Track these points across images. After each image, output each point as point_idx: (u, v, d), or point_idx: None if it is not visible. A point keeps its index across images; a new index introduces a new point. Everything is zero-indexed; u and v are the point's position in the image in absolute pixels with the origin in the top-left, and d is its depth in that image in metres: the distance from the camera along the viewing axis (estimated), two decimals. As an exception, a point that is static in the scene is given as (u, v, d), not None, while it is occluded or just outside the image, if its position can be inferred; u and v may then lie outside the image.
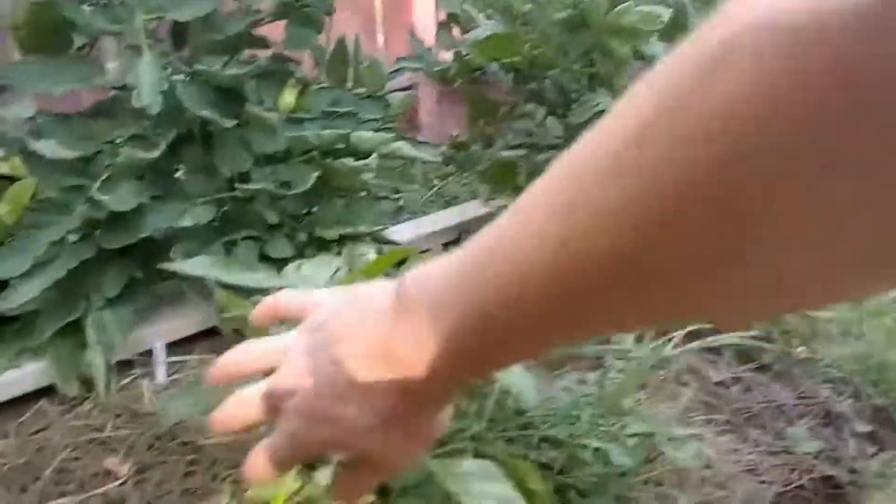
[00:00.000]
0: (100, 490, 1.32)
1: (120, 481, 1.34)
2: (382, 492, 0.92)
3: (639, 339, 1.59)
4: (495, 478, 0.72)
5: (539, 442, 1.13)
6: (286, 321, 0.55)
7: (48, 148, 1.21)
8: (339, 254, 1.62)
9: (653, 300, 0.31)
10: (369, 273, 0.77)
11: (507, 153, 1.80)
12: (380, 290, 0.44)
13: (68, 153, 1.25)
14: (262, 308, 0.56)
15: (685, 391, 1.53)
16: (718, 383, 1.57)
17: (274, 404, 0.49)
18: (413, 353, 0.39)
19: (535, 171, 1.87)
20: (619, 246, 0.29)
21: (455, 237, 2.06)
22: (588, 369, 1.56)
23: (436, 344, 0.38)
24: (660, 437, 1.21)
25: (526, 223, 0.33)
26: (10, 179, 1.76)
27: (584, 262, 0.30)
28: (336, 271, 0.81)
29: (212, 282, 1.59)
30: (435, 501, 0.96)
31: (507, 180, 1.84)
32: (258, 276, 0.76)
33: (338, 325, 0.46)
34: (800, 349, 1.65)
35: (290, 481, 0.88)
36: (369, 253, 1.53)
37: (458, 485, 0.71)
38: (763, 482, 1.30)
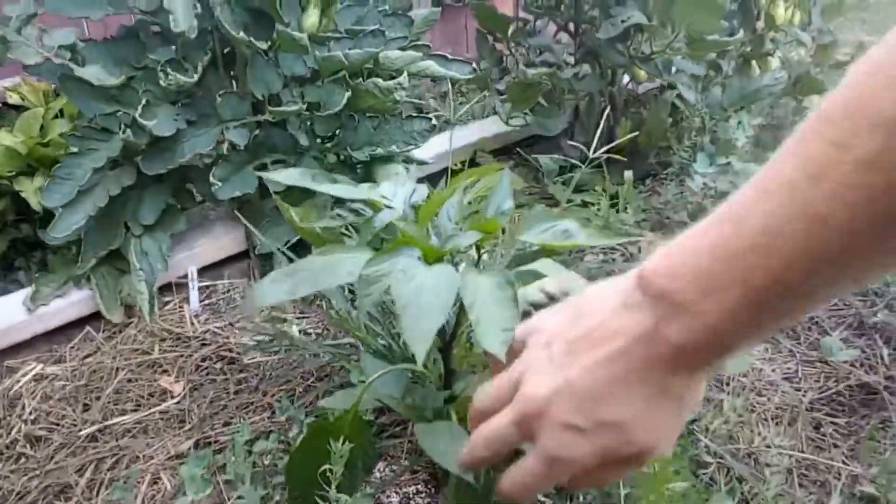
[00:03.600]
0: (159, 407, 1.38)
1: (176, 399, 1.40)
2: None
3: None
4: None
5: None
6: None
7: (92, 73, 1.21)
8: (367, 175, 1.65)
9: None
10: (440, 200, 0.80)
11: (529, 72, 1.80)
12: (612, 290, 0.45)
13: (112, 79, 1.25)
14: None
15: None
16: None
17: (528, 427, 0.46)
18: (679, 333, 0.40)
19: (554, 91, 1.85)
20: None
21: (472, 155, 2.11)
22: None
23: (697, 323, 0.39)
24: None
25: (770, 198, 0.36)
26: (18, 109, 1.75)
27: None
28: (412, 192, 0.84)
29: (237, 208, 1.62)
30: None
31: (528, 99, 1.85)
32: (339, 188, 0.79)
33: (576, 334, 0.45)
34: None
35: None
36: (400, 171, 1.55)
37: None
38: (800, 389, 1.33)
